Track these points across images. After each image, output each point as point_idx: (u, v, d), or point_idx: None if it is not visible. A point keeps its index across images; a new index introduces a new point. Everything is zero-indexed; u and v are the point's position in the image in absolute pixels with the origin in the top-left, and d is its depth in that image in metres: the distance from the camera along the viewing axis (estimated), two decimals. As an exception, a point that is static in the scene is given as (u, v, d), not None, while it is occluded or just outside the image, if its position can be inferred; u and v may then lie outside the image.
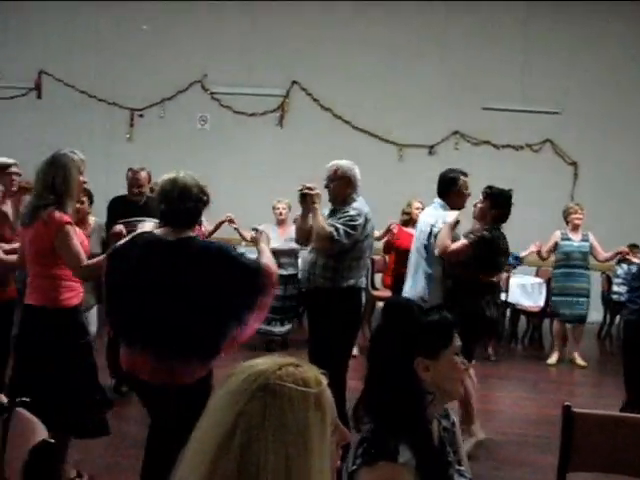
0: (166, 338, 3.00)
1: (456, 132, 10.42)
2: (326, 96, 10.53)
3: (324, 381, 1.30)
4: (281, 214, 7.62)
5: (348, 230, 4.49)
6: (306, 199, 4.56)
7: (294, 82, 10.64)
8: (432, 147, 10.46)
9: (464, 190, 5.23)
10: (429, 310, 2.04)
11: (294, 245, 6.48)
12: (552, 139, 10.42)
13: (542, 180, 10.05)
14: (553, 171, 10.30)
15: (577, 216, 7.72)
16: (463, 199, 5.25)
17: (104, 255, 3.54)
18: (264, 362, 1.31)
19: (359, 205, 4.66)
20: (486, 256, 4.90)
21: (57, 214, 3.60)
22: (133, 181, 5.97)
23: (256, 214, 7.63)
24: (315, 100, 10.59)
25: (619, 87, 10.32)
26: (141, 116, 10.82)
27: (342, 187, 4.67)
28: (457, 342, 2.00)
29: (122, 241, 3.34)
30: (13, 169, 4.85)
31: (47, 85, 10.92)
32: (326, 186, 4.70)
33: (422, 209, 6.72)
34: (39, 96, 10.98)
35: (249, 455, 1.19)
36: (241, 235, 7.25)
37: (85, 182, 3.92)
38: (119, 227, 4.33)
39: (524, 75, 10.32)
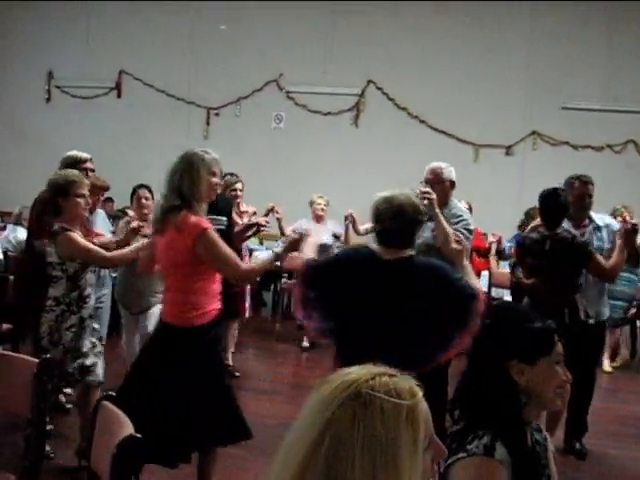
0: (384, 356, 2.95)
1: (534, 132, 10.21)
2: (402, 96, 10.46)
3: (419, 393, 1.26)
4: (323, 210, 7.62)
5: (467, 235, 4.43)
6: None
7: (370, 81, 10.60)
8: (509, 147, 10.27)
9: None
10: (536, 317, 2.00)
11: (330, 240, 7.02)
12: (636, 139, 10.11)
13: (623, 181, 9.76)
14: (636, 172, 9.99)
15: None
16: None
17: (266, 259, 3.69)
18: (358, 370, 1.29)
19: (462, 207, 4.63)
20: None
21: (193, 219, 3.29)
22: None
23: (330, 212, 7.66)
24: (390, 99, 10.53)
25: None
26: (217, 114, 10.95)
27: (446, 189, 4.56)
28: (559, 351, 1.97)
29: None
30: (88, 164, 4.88)
31: (127, 84, 11.17)
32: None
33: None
34: (119, 95, 11.23)
35: (337, 463, 1.18)
36: (281, 227, 7.27)
37: (218, 184, 3.64)
38: (136, 223, 4.46)
39: (606, 74, 10.04)
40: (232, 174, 6.31)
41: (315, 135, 10.56)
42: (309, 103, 10.69)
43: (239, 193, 6.40)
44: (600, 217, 5.04)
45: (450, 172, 4.65)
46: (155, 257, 3.57)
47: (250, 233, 5.78)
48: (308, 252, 3.40)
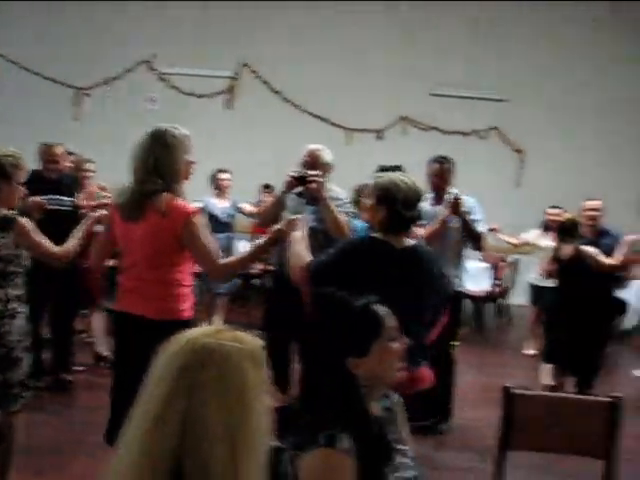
0: None
1: (404, 117, 10.49)
2: (276, 79, 10.50)
3: (260, 341, 1.37)
4: (228, 183, 7.62)
5: (352, 217, 4.51)
6: (309, 187, 4.29)
7: (244, 64, 10.57)
8: (380, 132, 10.51)
9: None
10: (353, 301, 2.02)
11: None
12: (499, 126, 10.56)
13: (488, 166, 10.19)
14: (499, 158, 10.45)
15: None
16: None
17: (246, 253, 3.45)
18: (202, 328, 1.39)
19: (338, 190, 4.66)
20: None
21: (180, 202, 3.10)
22: (47, 156, 5.52)
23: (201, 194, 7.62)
24: (265, 83, 10.55)
25: (566, 76, 10.52)
26: (87, 95, 10.64)
27: (325, 172, 4.54)
28: (389, 326, 2.00)
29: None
30: None
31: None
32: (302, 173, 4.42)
33: None
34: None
35: (192, 409, 1.26)
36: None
37: (193, 162, 3.40)
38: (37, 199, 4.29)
39: (472, 63, 10.43)
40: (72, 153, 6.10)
41: (189, 118, 10.39)
42: (183, 85, 10.55)
43: (89, 174, 6.14)
44: (467, 198, 5.15)
45: (328, 154, 4.69)
46: (109, 249, 3.39)
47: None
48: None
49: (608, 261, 5.64)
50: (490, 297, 8.89)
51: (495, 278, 8.87)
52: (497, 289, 9.00)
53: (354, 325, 1.97)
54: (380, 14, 10.34)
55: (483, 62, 10.43)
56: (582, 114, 10.53)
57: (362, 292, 2.11)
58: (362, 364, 1.93)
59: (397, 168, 5.37)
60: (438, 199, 5.13)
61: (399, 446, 1.98)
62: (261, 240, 3.45)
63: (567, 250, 5.76)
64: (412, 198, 3.05)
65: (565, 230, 5.88)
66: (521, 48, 10.49)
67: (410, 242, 3.12)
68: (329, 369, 1.95)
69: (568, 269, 5.74)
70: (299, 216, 3.37)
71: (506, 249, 8.66)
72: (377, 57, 10.42)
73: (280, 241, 3.33)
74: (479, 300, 8.89)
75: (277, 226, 3.30)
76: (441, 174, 5.15)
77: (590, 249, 5.69)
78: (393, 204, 3.02)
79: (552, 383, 5.79)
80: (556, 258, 5.82)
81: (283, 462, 1.79)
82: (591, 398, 2.98)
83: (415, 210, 3.07)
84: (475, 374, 7.07)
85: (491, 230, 6.91)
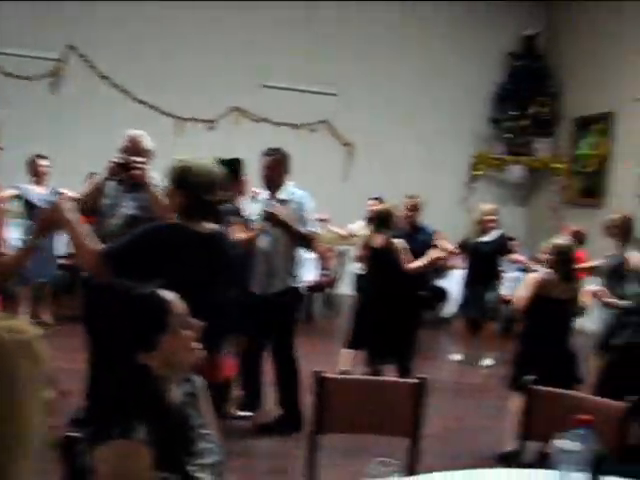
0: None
1: (236, 108, 10.48)
2: (106, 64, 10.15)
3: (37, 330, 1.31)
4: (45, 172, 7.38)
5: None
6: (132, 174, 4.14)
7: (71, 47, 10.13)
8: (212, 122, 10.44)
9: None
10: (141, 288, 2.00)
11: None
12: (329, 120, 10.79)
13: (318, 159, 10.38)
14: (329, 151, 10.68)
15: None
16: None
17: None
18: None
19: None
20: None
21: None
22: None
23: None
24: (92, 67, 10.17)
25: (394, 73, 10.93)
26: None
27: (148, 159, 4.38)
28: (176, 313, 1.97)
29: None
30: None
31: None
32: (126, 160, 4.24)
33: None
34: None
35: None
36: None
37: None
38: None
39: (304, 56, 10.58)
40: None
41: (12, 100, 9.86)
42: (4, 65, 9.96)
43: None
44: (293, 191, 5.19)
45: (149, 141, 4.58)
46: None
47: None
48: None
49: (410, 265, 5.92)
50: (318, 287, 9.07)
51: (323, 268, 9.06)
52: (325, 279, 9.20)
53: (139, 320, 1.94)
54: (215, 2, 10.25)
55: (314, 56, 10.60)
56: (407, 111, 10.99)
57: (158, 278, 2.13)
58: (153, 357, 1.91)
59: (236, 161, 5.39)
60: (272, 192, 5.13)
61: (202, 431, 1.98)
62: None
63: (379, 239, 5.97)
64: (210, 182, 3.04)
65: (379, 220, 6.08)
66: (351, 43, 10.78)
67: (212, 227, 3.09)
68: (119, 362, 1.92)
69: (378, 257, 5.95)
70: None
71: (334, 240, 8.86)
72: (211, 46, 10.33)
73: (53, 227, 3.12)
74: (307, 290, 9.04)
75: (47, 210, 3.16)
76: (272, 166, 5.12)
77: (401, 244, 5.93)
78: (190, 188, 3.01)
79: (348, 368, 6.00)
80: (368, 246, 6.02)
81: (79, 454, 1.75)
82: (399, 380, 3.12)
83: (214, 194, 3.05)
84: (304, 364, 7.18)
85: (321, 220, 7.03)
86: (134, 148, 4.41)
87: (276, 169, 5.14)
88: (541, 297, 4.63)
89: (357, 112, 10.73)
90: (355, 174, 10.73)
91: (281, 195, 5.12)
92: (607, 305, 5.43)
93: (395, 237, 6.06)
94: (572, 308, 4.87)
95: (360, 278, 7.30)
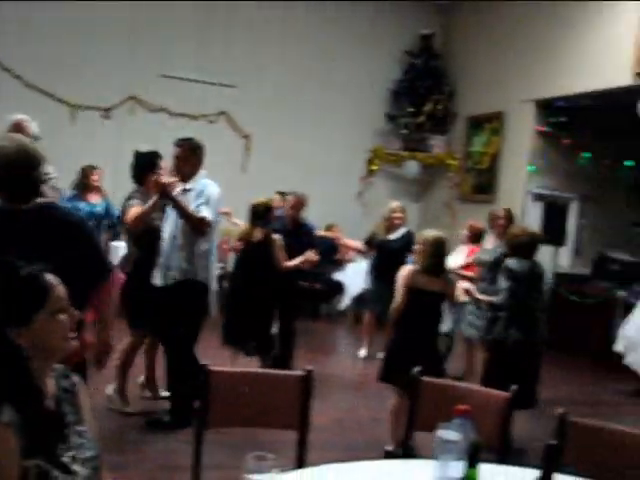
0: None
1: (133, 97, 10.25)
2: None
3: None
4: None
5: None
6: None
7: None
8: (107, 110, 10.18)
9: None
10: (19, 269, 1.92)
11: None
12: (227, 111, 10.71)
13: (217, 151, 10.24)
14: (228, 143, 10.59)
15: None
16: None
17: None
18: None
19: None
20: None
21: None
22: None
23: None
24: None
25: (291, 65, 10.94)
26: None
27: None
28: (57, 297, 1.92)
29: None
30: None
31: None
32: None
33: None
34: None
35: None
36: None
37: None
38: None
39: (202, 47, 10.45)
40: None
41: None
42: None
43: None
44: (204, 182, 5.10)
45: (35, 127, 4.45)
46: None
47: None
48: None
49: (285, 263, 5.95)
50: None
51: (220, 261, 8.99)
52: (223, 272, 9.14)
53: (15, 293, 1.87)
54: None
55: (213, 47, 10.50)
56: (306, 105, 11.05)
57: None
58: (24, 334, 1.85)
59: (154, 154, 5.30)
60: (184, 181, 5.04)
61: (78, 427, 1.93)
62: None
63: (259, 233, 5.96)
64: (17, 160, 2.90)
65: (256, 214, 6.06)
66: (251, 36, 10.72)
67: (40, 202, 2.96)
68: None
69: (255, 251, 5.92)
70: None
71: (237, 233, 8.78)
72: (108, 33, 10.04)
73: None
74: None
75: None
76: (184, 157, 5.05)
77: (279, 241, 5.95)
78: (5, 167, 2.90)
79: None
80: (245, 239, 5.98)
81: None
82: (286, 373, 3.12)
83: (28, 171, 2.91)
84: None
85: (224, 214, 6.97)
86: (20, 132, 4.29)
87: (187, 160, 5.07)
88: (411, 289, 4.71)
89: (256, 104, 10.70)
90: (254, 166, 10.70)
91: (187, 185, 5.05)
92: (478, 301, 5.58)
93: (275, 232, 6.08)
94: (442, 300, 4.92)
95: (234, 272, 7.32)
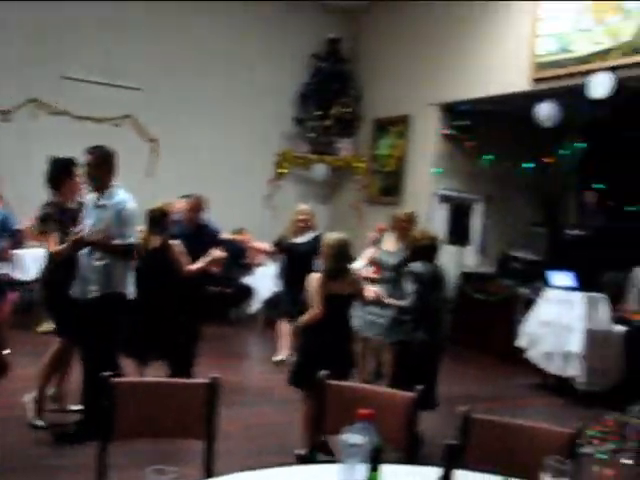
0: None
1: (34, 100, 9.94)
2: None
3: None
4: None
5: None
6: None
7: None
8: (6, 113, 9.84)
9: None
10: None
11: None
12: (133, 115, 10.52)
13: (123, 155, 10.03)
14: (134, 147, 10.40)
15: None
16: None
17: None
18: None
19: None
20: None
21: None
22: None
23: None
24: None
25: (200, 70, 10.85)
26: None
27: None
28: None
29: None
30: None
31: None
32: None
33: None
34: None
35: None
36: None
37: None
38: None
39: (108, 50, 10.23)
40: None
41: None
42: None
43: None
44: (120, 199, 5.04)
45: None
46: None
47: None
48: None
49: (188, 268, 5.89)
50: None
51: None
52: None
53: None
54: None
55: (117, 49, 10.29)
56: (213, 108, 10.97)
57: None
58: None
59: (69, 161, 5.20)
60: (98, 192, 5.02)
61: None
62: None
63: (156, 241, 5.84)
64: None
65: (153, 220, 5.94)
66: (158, 39, 10.56)
67: None
68: None
69: (153, 259, 5.77)
70: None
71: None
72: (6, 33, 9.70)
73: None
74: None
75: None
76: (95, 165, 4.97)
77: (178, 247, 5.87)
78: None
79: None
80: (144, 247, 5.71)
81: None
82: (192, 381, 3.10)
83: None
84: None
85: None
86: None
87: (98, 168, 5.01)
88: (326, 296, 4.72)
89: (162, 108, 10.55)
90: (160, 170, 10.53)
91: (101, 200, 5.01)
92: (386, 305, 5.66)
93: (176, 237, 5.97)
94: (352, 302, 4.99)
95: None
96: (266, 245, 7.93)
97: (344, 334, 4.93)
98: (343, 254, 4.79)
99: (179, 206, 6.66)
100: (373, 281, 6.29)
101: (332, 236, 4.89)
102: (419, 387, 2.92)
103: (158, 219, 5.89)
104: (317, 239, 7.68)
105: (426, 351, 5.29)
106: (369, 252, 6.59)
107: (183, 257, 5.87)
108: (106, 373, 2.67)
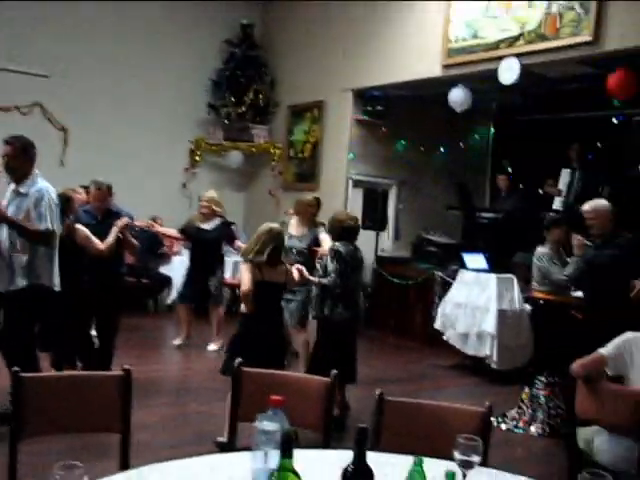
0: None
1: None
2: None
3: None
4: None
5: None
6: None
7: None
8: None
9: None
10: None
11: None
12: (42, 103, 10.23)
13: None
14: (44, 136, 10.10)
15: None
16: None
17: None
18: None
19: None
20: None
21: None
22: None
23: None
24: None
25: (111, 56, 10.61)
26: None
27: None
28: None
29: None
30: None
31: None
32: None
33: None
34: None
35: None
36: None
37: None
38: None
39: (14, 36, 9.90)
40: None
41: None
42: None
43: None
44: (40, 187, 4.94)
45: None
46: None
47: None
48: None
49: (100, 246, 5.79)
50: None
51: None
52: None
53: None
54: None
55: (23, 35, 9.97)
56: (126, 96, 10.77)
57: None
58: None
59: None
60: (17, 182, 4.92)
61: None
62: None
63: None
64: None
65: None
66: (66, 24, 10.27)
67: None
68: None
69: (60, 247, 5.61)
70: None
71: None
72: None
73: None
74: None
75: None
76: (12, 155, 4.89)
77: (82, 232, 5.75)
78: None
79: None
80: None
81: None
82: (104, 373, 3.06)
83: None
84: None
85: None
86: None
87: (18, 158, 4.92)
88: (258, 282, 4.78)
89: (73, 95, 10.29)
90: (72, 160, 10.28)
91: (21, 189, 4.92)
92: (310, 283, 5.75)
93: (86, 225, 5.86)
94: (283, 290, 5.11)
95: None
96: (173, 231, 7.96)
97: (278, 321, 5.01)
98: (276, 242, 4.90)
99: (79, 197, 6.49)
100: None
101: (265, 225, 4.99)
102: (334, 371, 2.95)
103: (61, 205, 5.71)
104: (223, 226, 7.72)
105: (346, 326, 5.50)
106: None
107: (91, 239, 5.73)
108: (17, 368, 2.60)
